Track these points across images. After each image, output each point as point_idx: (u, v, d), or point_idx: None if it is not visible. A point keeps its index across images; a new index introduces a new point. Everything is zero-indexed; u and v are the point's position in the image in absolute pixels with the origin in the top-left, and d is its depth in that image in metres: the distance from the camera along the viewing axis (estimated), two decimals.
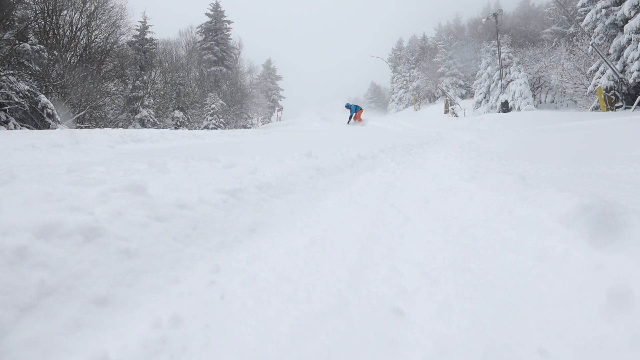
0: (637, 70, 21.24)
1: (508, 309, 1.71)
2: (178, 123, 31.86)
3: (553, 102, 34.79)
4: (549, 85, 33.42)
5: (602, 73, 23.93)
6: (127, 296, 1.81)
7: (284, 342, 1.56)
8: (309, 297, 1.92)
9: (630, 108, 21.40)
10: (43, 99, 17.26)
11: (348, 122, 27.29)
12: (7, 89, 15.92)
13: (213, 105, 33.42)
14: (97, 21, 27.60)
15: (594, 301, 1.60)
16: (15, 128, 15.63)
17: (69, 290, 1.66)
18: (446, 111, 40.12)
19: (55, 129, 16.09)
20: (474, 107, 37.98)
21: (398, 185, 5.15)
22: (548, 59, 32.85)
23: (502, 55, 33.86)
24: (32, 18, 21.20)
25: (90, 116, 24.42)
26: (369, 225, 3.18)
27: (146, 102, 29.20)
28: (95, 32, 27.69)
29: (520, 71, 32.07)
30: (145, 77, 30.43)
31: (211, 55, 39.82)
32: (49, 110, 17.21)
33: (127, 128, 20.36)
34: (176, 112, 32.66)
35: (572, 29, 34.14)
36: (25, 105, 16.56)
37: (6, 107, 15.97)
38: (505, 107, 32.05)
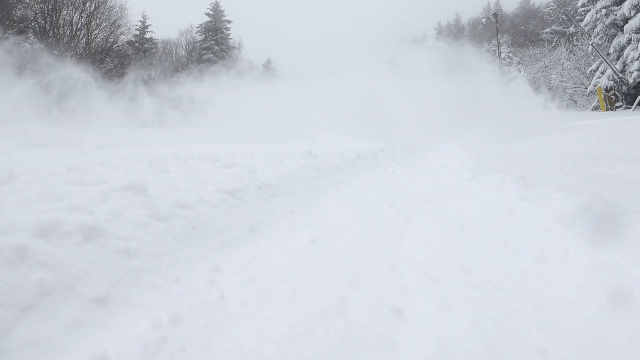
0: (637, 70, 21.26)
1: (508, 309, 1.71)
2: (178, 123, 31.85)
3: (553, 102, 34.78)
4: (549, 85, 33.42)
5: (602, 73, 23.95)
6: (127, 296, 1.81)
7: (284, 341, 1.56)
8: (309, 296, 1.92)
9: (630, 108, 21.41)
10: (43, 98, 17.26)
11: None
12: (7, 88, 15.94)
13: (213, 105, 33.42)
14: (97, 21, 27.63)
15: (593, 301, 1.61)
16: (15, 127, 15.62)
17: (68, 290, 1.66)
18: None
19: (55, 128, 16.07)
20: None
21: (398, 185, 5.15)
22: (548, 59, 32.88)
23: (502, 55, 33.86)
24: (32, 18, 21.20)
25: (90, 115, 24.40)
26: (369, 225, 3.18)
27: (146, 102, 29.20)
28: (95, 32, 27.71)
29: (520, 71, 32.08)
30: (145, 77, 30.44)
31: (211, 55, 39.81)
32: (50, 110, 17.22)
33: (126, 128, 20.35)
34: (176, 111, 32.64)
35: (572, 29, 34.15)
36: (26, 104, 16.56)
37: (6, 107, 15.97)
38: None
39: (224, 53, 40.70)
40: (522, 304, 1.75)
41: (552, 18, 42.94)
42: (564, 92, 29.87)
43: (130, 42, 32.12)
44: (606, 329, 1.47)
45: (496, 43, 35.03)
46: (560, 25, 40.83)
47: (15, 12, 18.91)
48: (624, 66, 22.45)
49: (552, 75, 30.33)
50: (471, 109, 15.81)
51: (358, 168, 6.61)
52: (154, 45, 33.66)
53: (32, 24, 21.22)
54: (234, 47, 42.86)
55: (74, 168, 3.98)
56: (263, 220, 3.22)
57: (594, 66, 25.07)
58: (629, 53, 21.71)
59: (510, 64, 33.59)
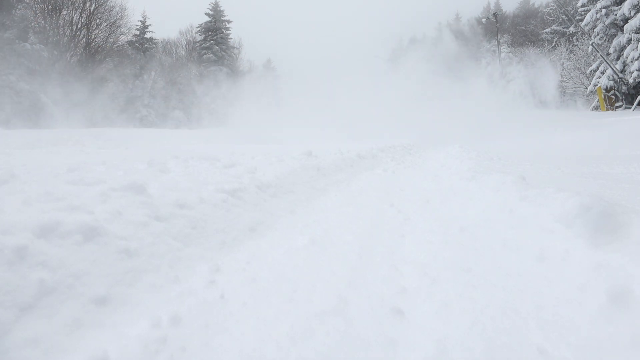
0: (637, 70, 21.25)
1: (508, 309, 1.71)
2: (178, 123, 31.87)
3: (553, 101, 34.73)
4: (548, 85, 33.40)
5: (602, 73, 23.94)
6: (127, 296, 1.81)
7: (284, 341, 1.56)
8: (309, 296, 1.92)
9: (630, 108, 21.40)
10: (43, 98, 17.26)
11: None
12: (7, 88, 15.93)
13: (213, 105, 33.43)
14: (97, 21, 27.63)
15: (594, 301, 1.60)
16: (15, 127, 15.63)
17: (68, 290, 1.66)
18: None
19: (55, 128, 16.07)
20: None
21: (398, 184, 5.15)
22: (548, 59, 32.84)
23: (502, 55, 33.88)
24: (32, 17, 21.19)
25: (90, 115, 24.41)
26: (369, 225, 3.18)
27: (146, 102, 29.21)
28: (95, 32, 27.71)
29: (520, 71, 32.08)
30: (145, 77, 30.43)
31: (211, 55, 39.78)
32: (49, 110, 17.22)
33: (127, 128, 20.37)
34: (176, 111, 32.65)
35: (572, 29, 34.14)
36: (25, 104, 16.56)
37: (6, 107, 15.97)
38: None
39: (224, 53, 40.67)
40: (522, 304, 1.75)
41: (552, 18, 42.90)
42: (564, 92, 29.84)
43: (130, 42, 32.09)
44: (606, 329, 1.46)
45: (496, 43, 35.04)
46: (560, 25, 40.78)
47: (15, 11, 18.90)
48: (624, 66, 22.44)
49: (552, 76, 30.29)
50: (471, 110, 16.09)
51: (358, 168, 6.62)
52: (154, 46, 33.64)
53: (32, 23, 21.21)
54: (234, 47, 42.82)
55: (74, 168, 3.98)
56: (263, 220, 3.22)
57: (594, 66, 25.06)
58: (629, 53, 21.69)
59: (510, 64, 33.60)
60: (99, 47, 27.81)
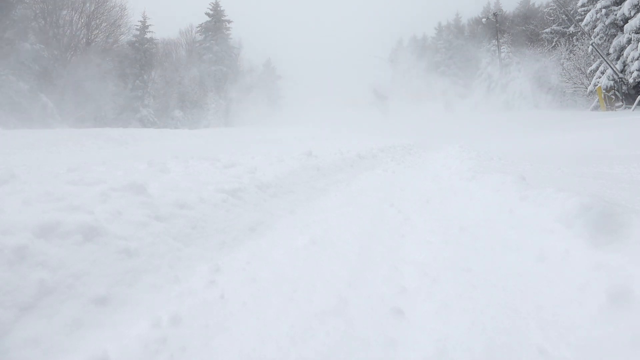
0: (637, 70, 21.25)
1: (508, 309, 1.71)
2: (178, 123, 31.87)
3: (553, 101, 34.73)
4: (549, 85, 33.41)
5: (602, 73, 23.94)
6: (127, 296, 1.81)
7: (284, 341, 1.56)
8: (309, 296, 1.92)
9: (630, 108, 21.39)
10: (43, 98, 17.26)
11: None
12: (6, 88, 15.93)
13: (213, 105, 33.44)
14: (97, 21, 27.62)
15: (594, 301, 1.60)
16: (15, 127, 15.63)
17: (68, 290, 1.66)
18: None
19: (55, 128, 16.06)
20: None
21: (398, 184, 5.15)
22: (548, 59, 32.85)
23: (502, 55, 33.88)
24: (32, 17, 21.19)
25: (90, 115, 24.42)
26: (369, 225, 3.18)
27: (146, 102, 29.22)
28: (95, 32, 27.71)
29: (520, 71, 32.10)
30: (145, 77, 30.42)
31: (211, 55, 39.77)
32: (49, 110, 17.22)
33: (127, 127, 20.36)
34: (176, 111, 32.65)
35: (572, 29, 34.13)
36: (25, 104, 16.56)
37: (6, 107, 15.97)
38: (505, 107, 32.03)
39: (224, 53, 40.66)
40: (522, 304, 1.75)
41: (552, 18, 42.86)
42: (564, 92, 29.84)
43: (130, 42, 32.08)
44: (606, 329, 1.46)
45: (496, 43, 35.04)
46: (560, 25, 40.73)
47: (15, 11, 18.90)
48: (624, 66, 22.43)
49: (552, 75, 30.30)
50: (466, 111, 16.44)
51: (358, 168, 6.62)
52: (154, 46, 33.63)
53: (32, 23, 21.21)
54: (234, 47, 42.80)
55: (74, 168, 3.98)
56: (263, 220, 3.22)
57: (594, 66, 25.05)
58: (629, 53, 21.69)
59: (510, 64, 33.61)
60: (98, 47, 27.81)
